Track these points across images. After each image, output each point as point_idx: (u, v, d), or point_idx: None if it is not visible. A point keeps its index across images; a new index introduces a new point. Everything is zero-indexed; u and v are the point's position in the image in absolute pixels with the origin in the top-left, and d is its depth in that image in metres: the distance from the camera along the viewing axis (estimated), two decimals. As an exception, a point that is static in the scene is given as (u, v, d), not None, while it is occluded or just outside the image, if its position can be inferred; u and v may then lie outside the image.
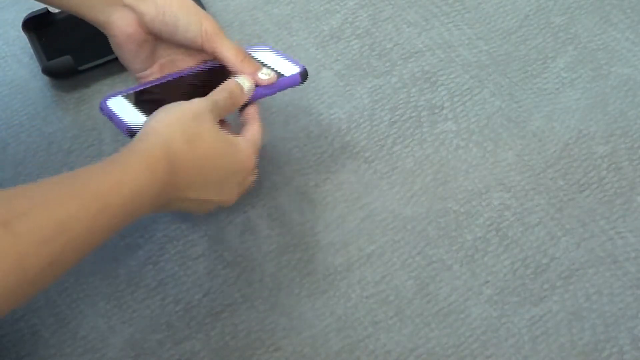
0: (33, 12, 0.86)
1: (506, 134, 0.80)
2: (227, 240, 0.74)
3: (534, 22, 0.88)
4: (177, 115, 0.62)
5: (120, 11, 0.68)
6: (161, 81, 0.72)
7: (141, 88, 0.71)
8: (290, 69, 0.72)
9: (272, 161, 0.79)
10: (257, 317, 0.70)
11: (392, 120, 0.81)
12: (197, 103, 0.64)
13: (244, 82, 0.68)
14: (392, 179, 0.77)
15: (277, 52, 0.75)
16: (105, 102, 0.68)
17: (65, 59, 0.82)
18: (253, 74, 0.70)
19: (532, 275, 0.72)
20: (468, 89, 0.83)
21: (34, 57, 0.86)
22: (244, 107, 0.69)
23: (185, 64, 0.73)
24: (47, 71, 0.83)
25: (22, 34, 0.87)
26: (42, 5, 0.87)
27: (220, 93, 0.66)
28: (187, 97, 0.65)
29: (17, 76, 0.85)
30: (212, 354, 0.68)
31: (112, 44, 0.71)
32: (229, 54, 0.70)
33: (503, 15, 0.89)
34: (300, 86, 0.71)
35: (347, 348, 0.68)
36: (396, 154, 0.79)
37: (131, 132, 0.64)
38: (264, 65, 0.72)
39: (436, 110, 0.82)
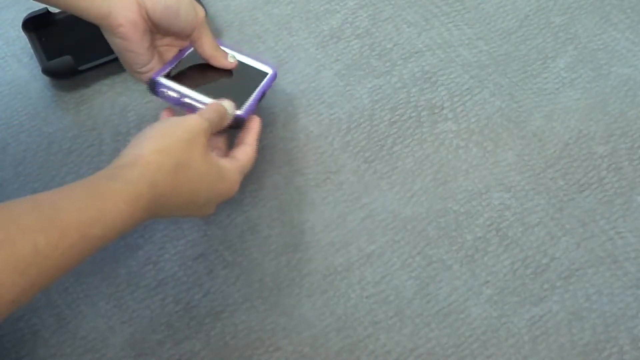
0: (33, 12, 0.86)
1: (506, 134, 0.80)
2: (227, 240, 0.74)
3: (534, 22, 0.88)
4: (168, 142, 0.62)
5: (122, 0, 0.68)
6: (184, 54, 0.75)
7: (175, 64, 0.74)
8: (261, 66, 0.78)
9: (272, 161, 0.79)
10: (257, 317, 0.70)
11: (392, 120, 0.81)
12: (193, 124, 0.64)
13: (225, 103, 0.70)
14: (392, 179, 0.77)
15: (245, 53, 0.79)
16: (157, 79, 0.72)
17: (65, 59, 0.82)
18: (223, 61, 0.75)
19: (532, 275, 0.72)
20: (468, 89, 0.83)
21: (34, 57, 0.86)
22: (237, 126, 0.71)
23: (170, 54, 0.75)
24: (47, 71, 0.83)
25: (22, 34, 0.87)
26: (42, 5, 0.87)
27: (211, 113, 0.67)
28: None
29: (17, 76, 0.85)
30: (212, 354, 0.69)
31: (114, 38, 0.70)
32: (208, 42, 0.74)
33: (503, 15, 0.89)
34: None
35: (347, 348, 0.68)
36: (396, 154, 0.79)
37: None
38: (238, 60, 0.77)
39: (436, 110, 0.82)
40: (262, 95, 0.75)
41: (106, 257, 0.74)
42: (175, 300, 0.71)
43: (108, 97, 0.83)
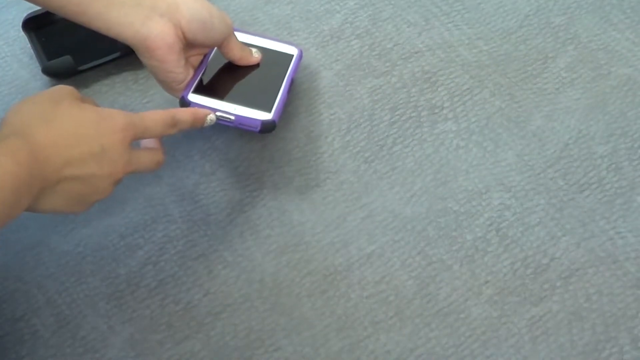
0: (33, 12, 0.86)
1: (506, 134, 0.80)
2: (227, 240, 0.74)
3: (534, 22, 0.88)
4: (30, 105, 0.61)
5: (158, 23, 0.68)
6: (205, 66, 0.76)
7: (199, 77, 0.75)
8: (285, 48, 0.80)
9: (272, 161, 0.79)
10: (257, 317, 0.70)
11: (392, 120, 0.81)
12: (55, 88, 0.63)
13: (210, 116, 0.71)
14: (392, 179, 0.77)
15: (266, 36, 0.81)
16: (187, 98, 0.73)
17: (65, 59, 0.82)
18: (250, 59, 0.77)
19: (532, 275, 0.72)
20: (468, 89, 0.83)
21: (34, 57, 0.86)
22: (269, 129, 0.73)
23: (197, 61, 0.76)
24: (47, 71, 0.83)
25: (22, 34, 0.87)
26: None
27: (184, 113, 0.69)
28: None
29: (17, 76, 0.85)
30: (212, 354, 0.69)
31: (152, 61, 0.70)
32: (236, 46, 0.75)
33: (503, 15, 0.89)
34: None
35: (347, 348, 0.68)
36: (396, 154, 0.79)
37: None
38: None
39: (436, 110, 0.82)
40: (291, 82, 0.77)
41: (106, 257, 0.74)
42: (175, 300, 0.71)
43: (108, 97, 0.83)
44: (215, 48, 0.77)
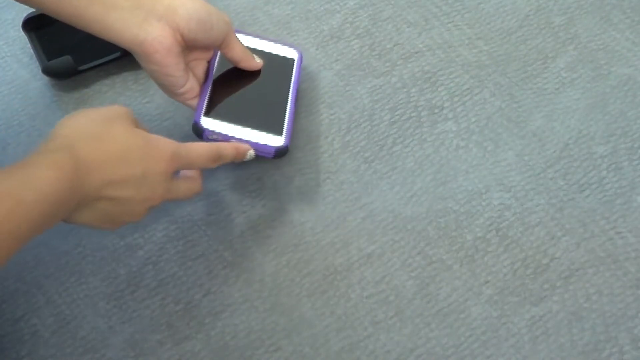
0: (33, 12, 0.86)
1: (506, 134, 0.80)
2: (227, 240, 0.74)
3: (534, 22, 0.88)
4: (83, 120, 0.62)
5: (156, 26, 0.67)
6: (210, 84, 0.75)
7: (206, 98, 0.74)
8: (286, 52, 0.80)
9: (272, 161, 0.79)
10: (257, 317, 0.70)
11: (392, 120, 0.81)
12: (113, 107, 0.63)
13: (250, 152, 0.72)
14: (392, 179, 0.77)
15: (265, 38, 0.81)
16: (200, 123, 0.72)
17: (65, 59, 0.82)
18: (252, 63, 0.76)
19: (532, 275, 0.72)
20: (468, 89, 0.83)
21: (34, 57, 0.86)
22: (282, 154, 0.73)
23: (200, 67, 0.76)
24: (47, 71, 0.83)
25: (22, 34, 0.87)
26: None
27: (227, 147, 0.69)
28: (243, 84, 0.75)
29: (17, 76, 0.85)
30: (212, 354, 0.69)
31: (149, 65, 0.69)
32: (237, 46, 0.74)
33: (503, 15, 0.89)
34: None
35: (347, 348, 0.68)
36: (396, 154, 0.79)
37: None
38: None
39: (436, 110, 0.82)
40: (297, 92, 0.78)
41: (106, 257, 0.74)
42: (175, 300, 0.71)
43: (108, 97, 0.83)
44: (218, 58, 0.76)
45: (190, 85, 0.72)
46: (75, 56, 0.83)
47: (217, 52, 0.77)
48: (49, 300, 0.72)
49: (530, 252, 0.73)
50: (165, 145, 0.64)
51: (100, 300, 0.71)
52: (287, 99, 0.76)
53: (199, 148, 0.67)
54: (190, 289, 0.72)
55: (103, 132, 0.61)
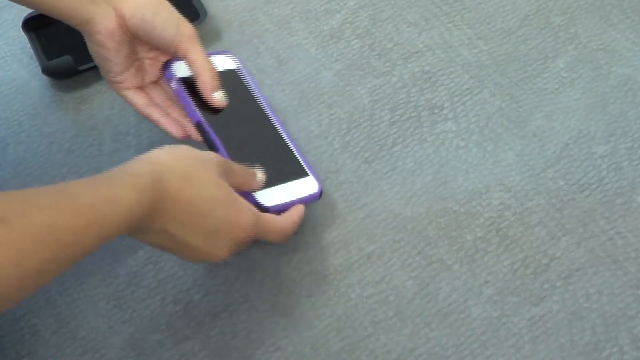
0: (33, 12, 0.86)
1: (506, 134, 0.80)
2: (227, 240, 0.74)
3: (534, 22, 0.88)
4: (181, 154, 0.62)
5: (103, 8, 0.69)
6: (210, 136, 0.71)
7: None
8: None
9: (272, 161, 0.79)
10: (257, 317, 0.70)
11: (392, 120, 0.81)
12: (208, 153, 0.64)
13: (259, 172, 0.69)
14: (392, 179, 0.77)
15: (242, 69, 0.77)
16: None
17: (65, 59, 0.82)
18: (209, 91, 0.71)
19: (532, 275, 0.72)
20: (468, 89, 0.83)
21: (34, 57, 0.86)
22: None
23: (155, 68, 0.74)
24: (47, 71, 0.83)
25: (22, 34, 0.87)
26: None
27: (237, 165, 0.67)
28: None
29: (17, 76, 0.85)
30: (212, 354, 0.69)
31: (92, 45, 0.71)
32: (199, 60, 0.70)
33: (503, 15, 0.89)
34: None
35: (347, 348, 0.68)
36: (396, 154, 0.79)
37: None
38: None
39: (436, 110, 0.82)
40: (272, 110, 0.75)
41: (106, 257, 0.74)
42: (175, 300, 0.71)
43: (108, 97, 0.84)
44: (177, 81, 0.72)
45: (128, 77, 0.72)
46: (75, 56, 0.83)
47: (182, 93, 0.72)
48: (49, 300, 0.72)
49: (530, 252, 0.73)
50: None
51: (100, 300, 0.71)
52: (273, 125, 0.74)
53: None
54: (190, 289, 0.72)
55: (193, 173, 0.61)
